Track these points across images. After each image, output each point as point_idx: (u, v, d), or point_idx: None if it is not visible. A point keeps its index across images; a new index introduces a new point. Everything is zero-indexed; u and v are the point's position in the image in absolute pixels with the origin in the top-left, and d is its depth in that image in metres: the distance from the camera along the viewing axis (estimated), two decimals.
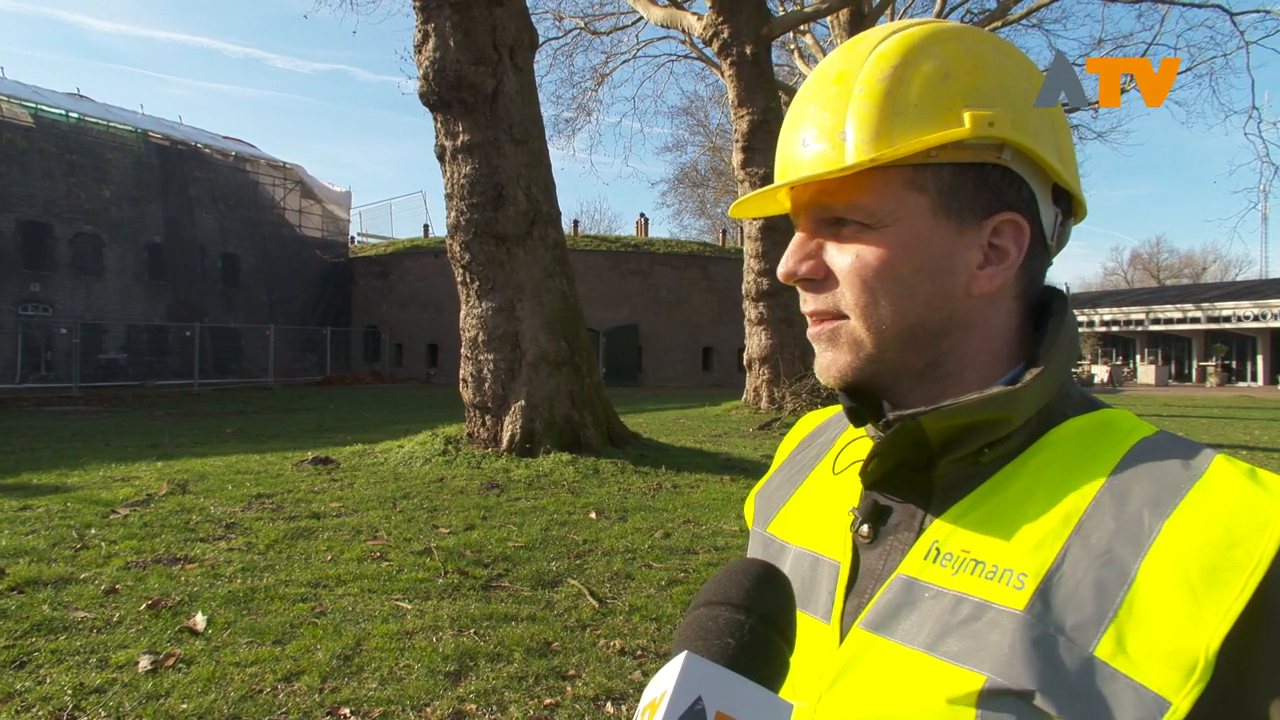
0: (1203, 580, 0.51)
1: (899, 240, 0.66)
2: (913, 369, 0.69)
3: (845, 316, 0.68)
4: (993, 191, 0.66)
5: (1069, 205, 0.71)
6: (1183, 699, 0.50)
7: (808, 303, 0.71)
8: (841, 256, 0.68)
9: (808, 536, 0.75)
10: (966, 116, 0.63)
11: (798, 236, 0.71)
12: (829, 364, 0.70)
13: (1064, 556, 0.57)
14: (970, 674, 0.56)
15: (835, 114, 0.66)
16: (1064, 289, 0.77)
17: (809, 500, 0.79)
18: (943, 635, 0.59)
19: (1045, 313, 0.70)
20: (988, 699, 0.55)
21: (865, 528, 0.69)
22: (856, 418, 0.75)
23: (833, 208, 0.68)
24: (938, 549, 0.63)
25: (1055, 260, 0.73)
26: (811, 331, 0.71)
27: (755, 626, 0.54)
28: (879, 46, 0.67)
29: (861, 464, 0.69)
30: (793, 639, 0.57)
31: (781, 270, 0.71)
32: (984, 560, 0.60)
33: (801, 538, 0.76)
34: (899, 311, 0.66)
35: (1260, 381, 38.13)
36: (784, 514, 0.80)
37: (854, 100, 0.66)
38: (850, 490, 0.73)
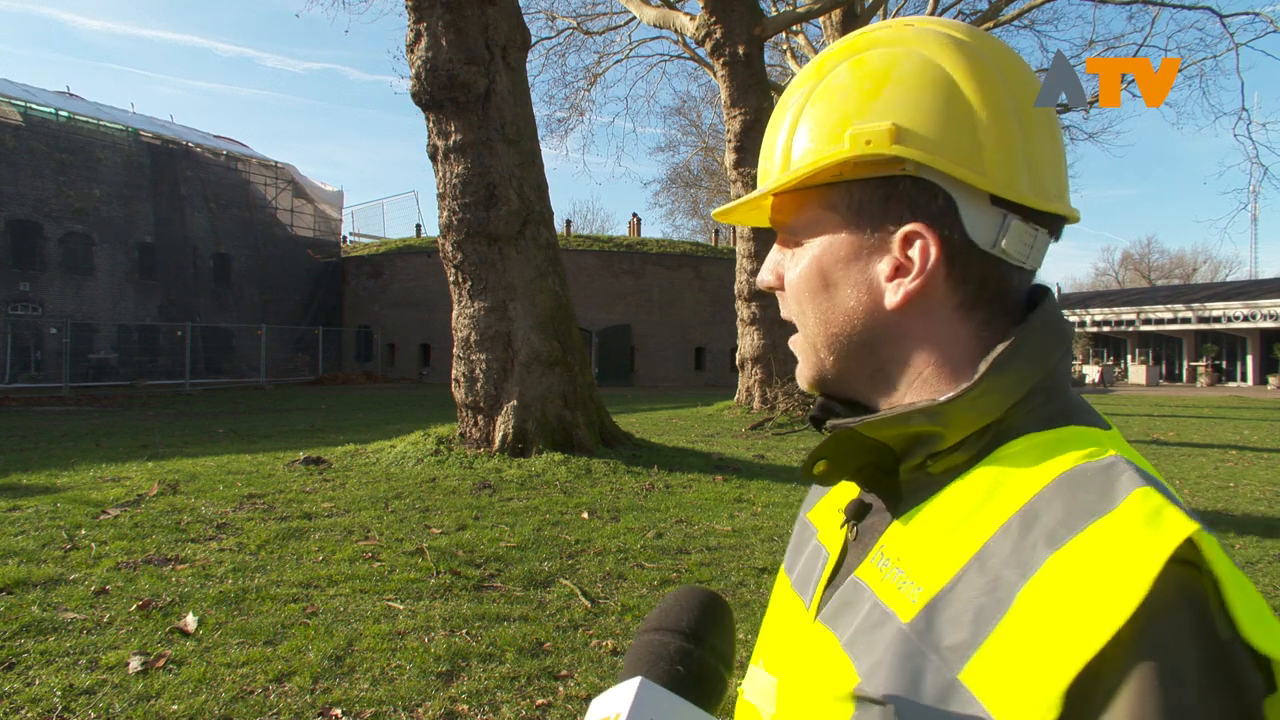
0: (1068, 617, 0.50)
1: (815, 256, 0.69)
2: (860, 377, 0.71)
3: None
4: (905, 203, 0.64)
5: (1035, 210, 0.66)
6: None
7: (782, 309, 0.77)
8: (788, 270, 0.73)
9: (825, 528, 0.79)
10: (847, 137, 0.64)
11: (773, 248, 0.76)
12: (797, 368, 0.76)
13: (959, 578, 0.57)
14: (854, 674, 0.60)
15: (773, 139, 0.72)
16: (1055, 289, 0.77)
17: (838, 495, 0.82)
18: (856, 634, 0.62)
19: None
20: (860, 700, 0.58)
21: (851, 524, 0.72)
22: (817, 424, 0.76)
23: (777, 224, 0.74)
24: (882, 552, 0.65)
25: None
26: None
27: (702, 656, 0.60)
28: (804, 70, 0.71)
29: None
30: (732, 665, 0.62)
31: (758, 280, 0.77)
32: (904, 570, 0.61)
33: (822, 528, 0.80)
34: (822, 323, 0.70)
35: (1250, 382, 38.39)
36: (821, 504, 0.84)
37: (781, 127, 0.70)
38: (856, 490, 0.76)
